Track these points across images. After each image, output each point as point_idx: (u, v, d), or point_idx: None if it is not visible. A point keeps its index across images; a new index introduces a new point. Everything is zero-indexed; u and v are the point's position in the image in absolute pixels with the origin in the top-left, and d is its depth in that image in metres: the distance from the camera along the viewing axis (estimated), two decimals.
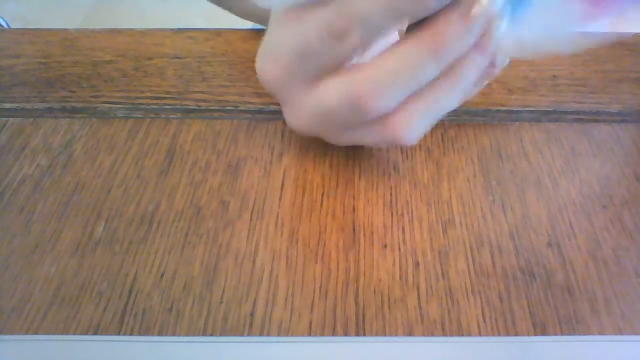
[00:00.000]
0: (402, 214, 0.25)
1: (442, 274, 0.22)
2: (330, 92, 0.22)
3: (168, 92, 0.30)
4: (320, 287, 0.22)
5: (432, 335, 0.20)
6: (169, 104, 0.30)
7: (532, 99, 0.30)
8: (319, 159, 0.27)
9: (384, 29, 0.19)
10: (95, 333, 0.20)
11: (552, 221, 0.24)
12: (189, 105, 0.30)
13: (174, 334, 0.20)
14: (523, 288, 0.22)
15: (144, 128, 0.29)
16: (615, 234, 0.24)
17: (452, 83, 0.21)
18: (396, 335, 0.20)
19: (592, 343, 0.20)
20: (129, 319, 0.21)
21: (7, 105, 0.30)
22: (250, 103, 0.30)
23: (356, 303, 0.21)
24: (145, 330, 0.21)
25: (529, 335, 0.20)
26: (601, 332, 0.20)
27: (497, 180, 0.26)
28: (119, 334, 0.20)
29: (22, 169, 0.27)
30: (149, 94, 0.30)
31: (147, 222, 0.24)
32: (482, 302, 0.21)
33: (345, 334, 0.20)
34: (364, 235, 0.24)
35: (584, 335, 0.20)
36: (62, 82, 0.31)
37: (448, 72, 0.21)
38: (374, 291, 0.22)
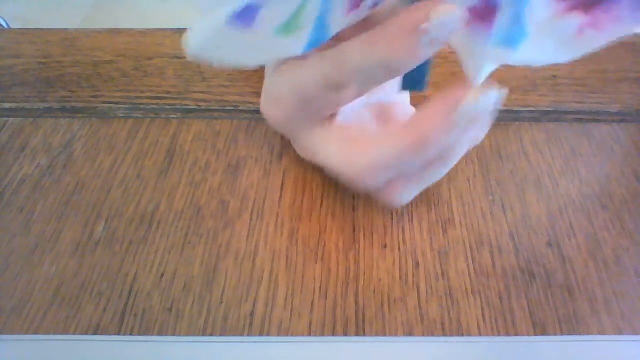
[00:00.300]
0: (402, 214, 0.25)
1: (442, 274, 0.22)
2: (328, 162, 0.23)
3: (168, 92, 0.30)
4: (320, 287, 0.22)
5: (432, 335, 0.20)
6: (169, 104, 0.30)
7: (532, 99, 0.30)
8: None
9: (380, 81, 0.20)
10: (95, 333, 0.20)
11: (552, 221, 0.24)
12: (189, 105, 0.30)
13: (174, 334, 0.20)
14: (523, 288, 0.22)
15: (144, 128, 0.29)
16: (615, 234, 0.24)
17: (443, 164, 0.22)
18: (396, 335, 0.20)
19: (592, 343, 0.20)
20: (129, 319, 0.21)
21: (7, 105, 0.30)
22: (250, 103, 0.30)
23: (356, 303, 0.21)
24: (145, 330, 0.21)
25: (529, 335, 0.20)
26: (601, 332, 0.21)
27: (497, 180, 0.26)
28: (119, 334, 0.20)
29: (22, 169, 0.27)
30: (149, 94, 0.30)
31: (147, 222, 0.24)
32: (482, 302, 0.21)
33: (345, 334, 0.20)
34: (364, 235, 0.24)
35: (584, 335, 0.20)
36: (62, 82, 0.31)
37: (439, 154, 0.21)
38: (374, 291, 0.22)
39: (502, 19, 0.17)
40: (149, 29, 0.35)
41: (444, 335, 0.20)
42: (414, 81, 0.21)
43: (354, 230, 0.24)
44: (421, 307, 0.21)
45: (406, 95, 0.26)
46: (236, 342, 0.20)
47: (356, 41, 0.19)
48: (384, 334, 0.20)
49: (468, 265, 0.23)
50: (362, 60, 0.18)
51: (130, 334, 0.20)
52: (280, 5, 0.17)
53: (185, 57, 0.33)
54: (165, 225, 0.24)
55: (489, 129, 0.22)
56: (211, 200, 0.25)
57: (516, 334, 0.20)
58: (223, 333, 0.20)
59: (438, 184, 0.26)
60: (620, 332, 0.21)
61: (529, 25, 0.17)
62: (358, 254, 0.23)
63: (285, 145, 0.28)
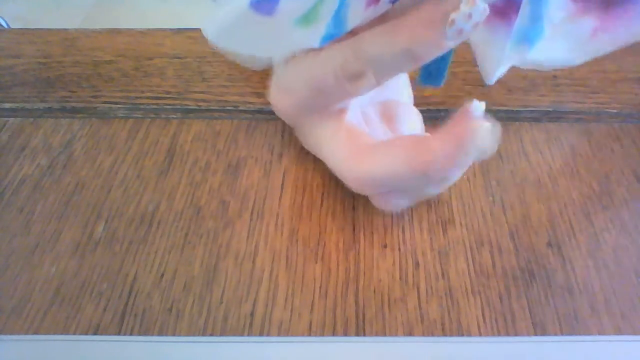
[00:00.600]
0: (402, 214, 0.25)
1: (442, 274, 0.22)
2: (331, 160, 0.23)
3: (168, 92, 0.30)
4: (320, 287, 0.22)
5: (432, 335, 0.20)
6: (169, 104, 0.30)
7: (532, 99, 0.30)
8: (319, 159, 0.27)
9: (399, 70, 0.20)
10: (95, 333, 0.20)
11: (552, 221, 0.24)
12: (189, 105, 0.30)
13: (174, 334, 0.20)
14: (523, 288, 0.22)
15: (144, 128, 0.29)
16: (615, 234, 0.24)
17: (441, 185, 0.22)
18: (396, 335, 0.20)
19: (592, 343, 0.20)
20: (129, 319, 0.21)
21: (7, 105, 0.30)
22: (250, 103, 0.30)
23: (356, 303, 0.21)
24: (145, 330, 0.21)
25: (529, 335, 0.20)
26: (601, 332, 0.20)
27: (497, 180, 0.26)
28: (119, 334, 0.20)
29: (22, 169, 0.27)
30: (149, 94, 0.30)
31: (147, 222, 0.24)
32: (482, 302, 0.21)
33: (345, 334, 0.20)
34: (364, 235, 0.24)
35: (584, 335, 0.20)
36: (62, 82, 0.31)
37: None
38: (374, 291, 0.22)
39: (522, 17, 0.17)
40: (149, 29, 0.35)
41: (444, 335, 0.20)
42: (432, 76, 0.21)
43: (354, 230, 0.24)
44: (421, 307, 0.21)
45: (410, 95, 0.26)
46: (236, 342, 0.20)
47: (378, 29, 0.19)
48: (384, 334, 0.20)
49: (468, 265, 0.23)
50: (383, 48, 0.18)
51: (130, 334, 0.20)
52: None
53: (185, 57, 0.33)
54: (165, 225, 0.24)
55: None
56: (211, 200, 0.25)
57: (516, 334, 0.20)
58: (223, 333, 0.20)
59: None
60: (620, 332, 0.21)
61: (546, 24, 0.17)
62: (358, 254, 0.23)
63: (285, 145, 0.28)
